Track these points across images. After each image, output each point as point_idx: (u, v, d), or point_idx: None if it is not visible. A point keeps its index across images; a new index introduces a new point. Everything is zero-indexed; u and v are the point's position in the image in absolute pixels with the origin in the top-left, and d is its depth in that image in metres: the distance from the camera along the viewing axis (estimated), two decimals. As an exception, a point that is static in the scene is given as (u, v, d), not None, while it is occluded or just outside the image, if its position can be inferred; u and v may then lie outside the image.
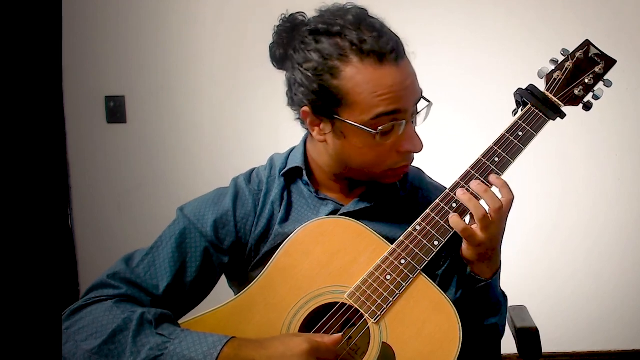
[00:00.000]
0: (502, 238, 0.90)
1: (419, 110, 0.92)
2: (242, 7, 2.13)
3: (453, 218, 0.87)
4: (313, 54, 0.87)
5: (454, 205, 0.89)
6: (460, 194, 0.88)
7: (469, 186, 0.89)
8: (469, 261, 0.90)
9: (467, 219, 0.89)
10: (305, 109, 0.91)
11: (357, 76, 0.85)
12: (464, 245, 0.88)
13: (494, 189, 0.89)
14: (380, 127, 0.86)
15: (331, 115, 0.89)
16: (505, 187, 0.89)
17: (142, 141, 2.22)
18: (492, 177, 0.90)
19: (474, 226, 0.86)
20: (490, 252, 0.89)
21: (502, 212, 0.86)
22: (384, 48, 0.85)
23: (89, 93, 2.18)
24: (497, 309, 0.96)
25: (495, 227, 0.87)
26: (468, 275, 0.92)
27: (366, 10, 0.90)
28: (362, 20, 0.87)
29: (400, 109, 0.87)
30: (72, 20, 2.08)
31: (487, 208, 0.87)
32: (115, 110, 2.19)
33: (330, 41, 0.86)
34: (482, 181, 0.89)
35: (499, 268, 0.93)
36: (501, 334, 1.00)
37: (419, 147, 0.91)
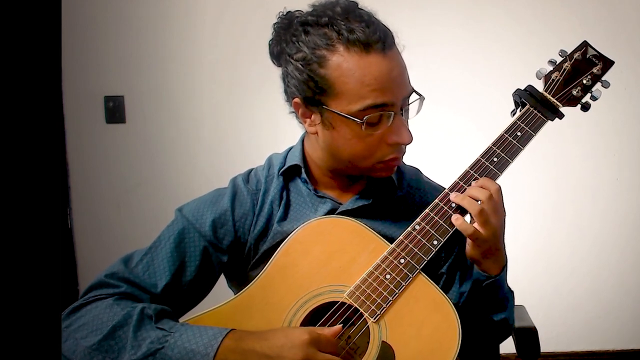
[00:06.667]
0: (503, 234, 0.91)
1: (410, 103, 0.92)
2: (242, 7, 2.13)
3: (458, 220, 0.87)
4: (302, 44, 0.88)
5: (453, 205, 0.90)
6: (453, 196, 0.89)
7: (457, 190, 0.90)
8: (475, 260, 0.90)
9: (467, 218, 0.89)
10: (296, 100, 0.92)
11: (343, 64, 0.86)
12: (469, 245, 0.89)
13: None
14: (366, 117, 0.87)
15: (320, 106, 0.90)
16: (486, 181, 0.89)
17: (141, 141, 2.22)
18: (473, 183, 0.90)
19: (474, 224, 0.87)
20: (494, 248, 0.89)
21: (493, 201, 0.87)
22: (371, 37, 0.86)
23: (88, 93, 2.19)
24: (506, 304, 0.97)
25: (494, 220, 0.87)
26: (476, 273, 0.92)
27: (356, 3, 0.91)
28: (351, 11, 0.88)
29: (387, 102, 0.87)
30: (72, 20, 2.08)
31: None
32: (115, 110, 2.19)
33: (319, 31, 0.88)
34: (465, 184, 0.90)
35: (506, 264, 0.93)
36: (511, 328, 1.00)
37: (407, 139, 0.90)
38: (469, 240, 0.88)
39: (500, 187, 0.89)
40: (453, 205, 0.90)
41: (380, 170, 0.95)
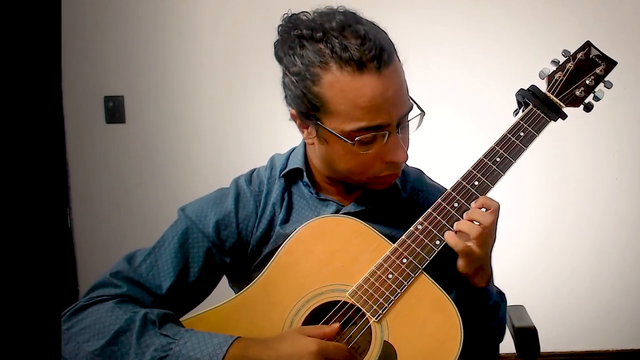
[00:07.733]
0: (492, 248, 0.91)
1: (409, 120, 0.91)
2: (242, 7, 2.13)
3: (449, 237, 0.87)
4: (297, 59, 0.86)
5: (456, 204, 0.90)
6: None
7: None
8: (467, 276, 0.90)
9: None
10: (293, 112, 0.92)
11: (335, 84, 0.84)
12: (461, 262, 0.88)
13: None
14: (357, 138, 0.85)
15: (314, 121, 0.89)
16: (487, 200, 0.89)
17: (141, 141, 2.22)
18: (473, 204, 0.89)
19: (469, 243, 0.86)
20: (485, 263, 0.90)
21: (493, 224, 0.87)
22: (365, 55, 0.82)
23: (88, 93, 2.18)
24: (495, 312, 0.96)
25: (489, 240, 0.87)
26: (464, 285, 0.92)
27: (354, 14, 0.88)
28: (347, 25, 0.85)
29: (382, 124, 0.85)
30: (72, 20, 2.08)
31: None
32: (114, 110, 2.18)
33: (314, 47, 0.85)
34: (465, 202, 0.90)
35: (491, 274, 0.93)
36: (501, 335, 1.00)
37: (401, 157, 0.89)
38: (461, 257, 0.88)
39: (499, 204, 0.88)
40: (456, 205, 0.90)
41: (376, 184, 0.94)
